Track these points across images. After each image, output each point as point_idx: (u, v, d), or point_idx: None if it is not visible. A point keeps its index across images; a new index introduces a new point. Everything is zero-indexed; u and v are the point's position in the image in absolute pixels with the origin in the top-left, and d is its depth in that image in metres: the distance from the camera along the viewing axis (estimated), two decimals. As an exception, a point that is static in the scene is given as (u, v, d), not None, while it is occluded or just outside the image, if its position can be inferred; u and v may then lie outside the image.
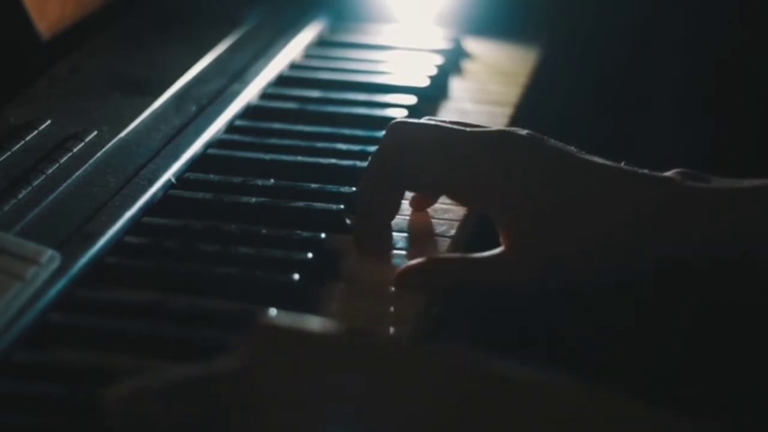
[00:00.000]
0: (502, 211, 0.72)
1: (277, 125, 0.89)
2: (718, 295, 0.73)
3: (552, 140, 0.73)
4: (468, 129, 0.74)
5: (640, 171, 0.71)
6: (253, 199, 0.78)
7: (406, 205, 0.79)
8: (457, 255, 0.74)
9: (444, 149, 0.73)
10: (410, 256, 0.74)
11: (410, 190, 0.77)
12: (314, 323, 0.52)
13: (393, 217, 0.76)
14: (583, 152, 0.73)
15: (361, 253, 0.74)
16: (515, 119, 0.96)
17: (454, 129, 0.74)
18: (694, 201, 0.69)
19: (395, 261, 0.74)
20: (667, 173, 0.71)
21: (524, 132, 0.73)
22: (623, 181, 0.70)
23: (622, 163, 0.72)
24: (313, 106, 0.93)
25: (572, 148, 0.73)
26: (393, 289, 0.71)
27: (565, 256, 0.70)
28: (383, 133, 0.76)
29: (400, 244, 0.76)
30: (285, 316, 0.53)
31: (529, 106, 1.00)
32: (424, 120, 0.78)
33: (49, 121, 0.82)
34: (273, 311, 0.59)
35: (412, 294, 0.71)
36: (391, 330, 0.67)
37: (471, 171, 0.72)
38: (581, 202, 0.70)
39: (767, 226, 0.69)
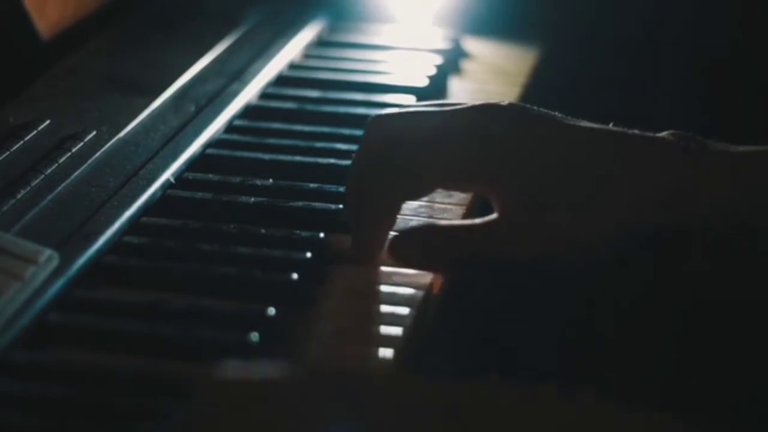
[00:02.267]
0: (494, 188, 0.70)
1: (276, 125, 0.89)
2: (713, 276, 0.73)
3: (535, 108, 0.71)
4: (449, 108, 0.72)
5: (631, 132, 0.70)
6: (252, 199, 0.78)
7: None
8: (451, 224, 0.73)
9: (434, 138, 0.71)
10: None
11: (406, 194, 0.74)
12: (264, 373, 0.51)
13: (392, 227, 0.73)
14: (569, 117, 0.71)
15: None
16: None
17: (436, 113, 0.72)
18: (696, 166, 0.68)
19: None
20: (661, 134, 0.70)
21: (506, 103, 0.72)
22: (616, 145, 0.69)
23: (610, 125, 0.71)
24: (312, 106, 0.93)
25: (557, 114, 0.72)
26: (386, 288, 0.71)
27: (559, 224, 0.69)
28: (363, 132, 0.73)
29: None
30: (234, 369, 0.52)
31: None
32: (400, 110, 0.74)
33: (48, 121, 0.82)
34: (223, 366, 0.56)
35: (406, 267, 0.71)
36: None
37: (460, 151, 0.71)
38: (571, 168, 0.69)
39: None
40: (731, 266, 0.73)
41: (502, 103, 0.72)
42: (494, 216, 0.71)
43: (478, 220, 0.71)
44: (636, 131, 0.70)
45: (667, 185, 0.69)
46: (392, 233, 0.73)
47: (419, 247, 0.72)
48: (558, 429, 0.48)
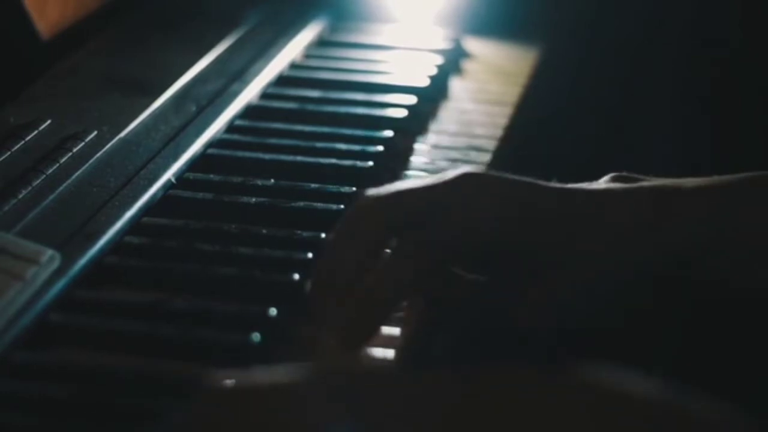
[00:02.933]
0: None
1: (277, 125, 0.89)
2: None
3: (489, 175, 0.66)
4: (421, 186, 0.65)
5: (582, 186, 0.67)
6: (253, 199, 0.78)
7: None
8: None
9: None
10: None
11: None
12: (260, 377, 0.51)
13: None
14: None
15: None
16: (515, 119, 0.97)
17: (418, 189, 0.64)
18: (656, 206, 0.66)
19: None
20: (601, 180, 0.68)
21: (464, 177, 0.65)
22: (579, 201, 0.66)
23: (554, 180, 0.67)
24: (313, 106, 0.93)
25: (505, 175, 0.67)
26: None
27: (560, 287, 0.65)
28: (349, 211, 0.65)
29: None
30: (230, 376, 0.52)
31: (529, 106, 1.00)
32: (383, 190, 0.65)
33: (49, 121, 0.82)
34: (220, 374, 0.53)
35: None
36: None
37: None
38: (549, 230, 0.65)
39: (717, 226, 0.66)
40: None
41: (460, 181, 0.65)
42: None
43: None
44: (582, 185, 0.67)
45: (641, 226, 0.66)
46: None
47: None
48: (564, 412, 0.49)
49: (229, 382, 0.50)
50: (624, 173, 0.69)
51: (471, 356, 0.70)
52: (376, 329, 0.63)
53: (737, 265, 0.67)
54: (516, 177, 0.66)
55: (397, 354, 0.65)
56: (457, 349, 0.69)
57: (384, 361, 0.64)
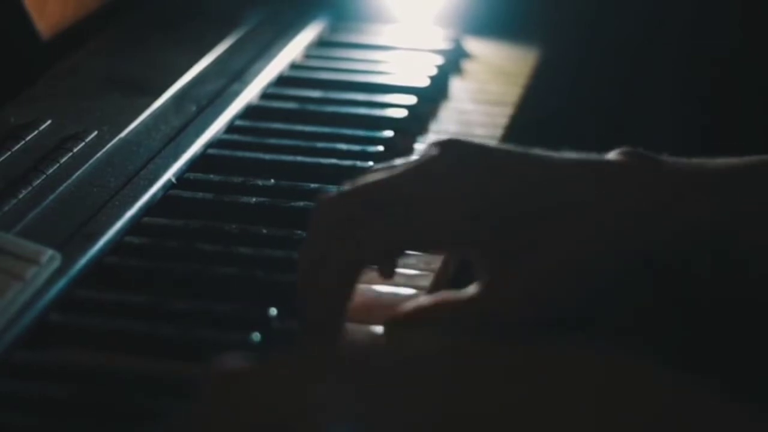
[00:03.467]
0: (473, 247, 0.65)
1: (277, 125, 0.89)
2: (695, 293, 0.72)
3: (474, 144, 0.66)
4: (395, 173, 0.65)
5: (586, 156, 0.66)
6: (254, 199, 0.78)
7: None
8: (449, 300, 0.66)
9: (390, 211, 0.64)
10: None
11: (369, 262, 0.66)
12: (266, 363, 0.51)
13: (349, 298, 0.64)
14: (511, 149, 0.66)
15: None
16: (515, 119, 0.97)
17: (386, 180, 0.65)
18: (661, 184, 0.65)
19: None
20: (611, 153, 0.66)
21: (446, 150, 0.65)
22: (587, 172, 0.65)
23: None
24: (313, 106, 0.93)
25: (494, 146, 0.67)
26: (387, 289, 0.71)
27: (544, 273, 0.64)
28: (312, 215, 0.65)
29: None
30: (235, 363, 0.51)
31: (529, 106, 1.00)
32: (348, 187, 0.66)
33: (49, 121, 0.82)
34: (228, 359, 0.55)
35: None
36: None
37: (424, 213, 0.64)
38: (545, 200, 0.64)
39: (750, 208, 0.65)
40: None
41: (442, 153, 0.65)
42: (482, 283, 0.65)
43: (470, 293, 0.65)
44: (589, 155, 0.66)
45: (641, 205, 0.65)
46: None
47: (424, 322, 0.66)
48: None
49: (229, 372, 0.50)
50: (639, 149, 0.66)
51: None
52: (333, 321, 0.63)
53: (756, 249, 0.65)
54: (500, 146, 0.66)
55: None
56: None
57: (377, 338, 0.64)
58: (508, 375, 0.48)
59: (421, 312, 0.66)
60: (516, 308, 0.64)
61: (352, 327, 0.65)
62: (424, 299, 0.67)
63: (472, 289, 0.65)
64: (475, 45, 1.08)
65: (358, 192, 0.64)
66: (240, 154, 0.85)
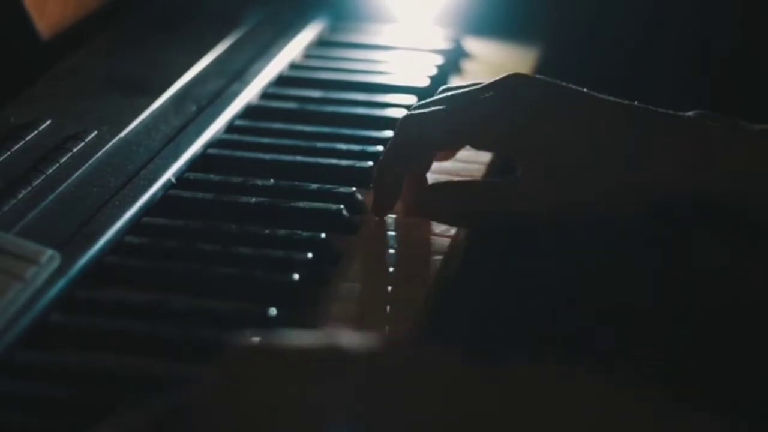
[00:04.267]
0: (520, 154, 0.75)
1: (277, 125, 0.89)
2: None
3: (561, 83, 0.76)
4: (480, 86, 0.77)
5: (654, 109, 0.75)
6: (253, 199, 0.77)
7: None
8: (477, 180, 0.79)
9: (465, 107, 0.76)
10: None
11: (436, 147, 0.79)
12: (288, 338, 0.51)
13: (416, 183, 0.78)
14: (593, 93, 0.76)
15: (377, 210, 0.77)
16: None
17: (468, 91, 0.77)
18: (717, 143, 0.72)
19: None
20: (688, 113, 0.74)
21: (534, 76, 0.77)
22: (638, 117, 0.75)
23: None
24: (313, 106, 0.93)
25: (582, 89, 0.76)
26: (388, 288, 0.71)
27: (576, 171, 0.73)
28: (397, 128, 0.77)
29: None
30: (256, 337, 0.51)
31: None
32: (430, 104, 0.78)
33: (49, 121, 0.82)
34: (243, 337, 0.56)
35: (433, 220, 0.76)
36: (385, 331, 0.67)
37: (489, 120, 0.75)
38: (592, 134, 0.74)
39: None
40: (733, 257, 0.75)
41: (530, 78, 0.77)
42: (517, 176, 0.75)
43: (502, 180, 0.76)
44: (660, 110, 0.75)
45: (684, 157, 0.73)
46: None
47: (448, 200, 0.76)
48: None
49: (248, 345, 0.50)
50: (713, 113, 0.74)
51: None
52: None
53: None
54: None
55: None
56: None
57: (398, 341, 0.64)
58: (507, 395, 0.48)
59: (447, 187, 0.77)
60: (534, 196, 0.74)
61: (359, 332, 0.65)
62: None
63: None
64: (475, 45, 1.08)
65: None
66: (240, 154, 0.84)
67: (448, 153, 0.83)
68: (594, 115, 0.75)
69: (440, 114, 0.76)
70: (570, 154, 0.74)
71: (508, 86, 0.75)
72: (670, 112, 0.75)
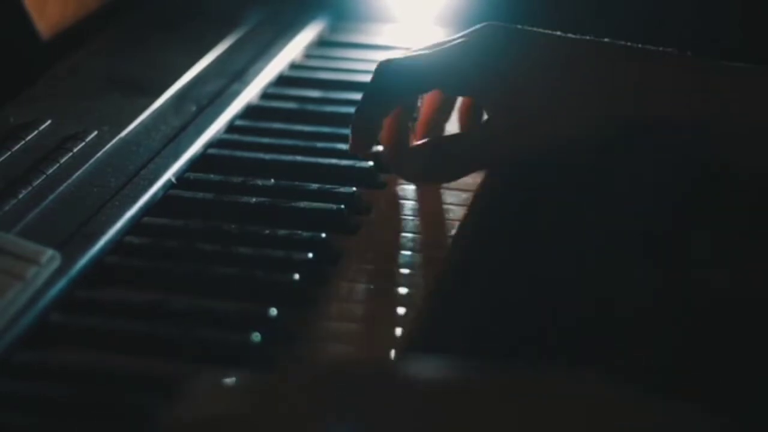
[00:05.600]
0: (487, 94, 0.77)
1: (277, 125, 0.89)
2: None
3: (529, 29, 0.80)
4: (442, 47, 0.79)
5: (625, 43, 0.77)
6: (254, 199, 0.78)
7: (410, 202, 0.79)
8: (449, 135, 0.82)
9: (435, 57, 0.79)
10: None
11: (410, 91, 0.82)
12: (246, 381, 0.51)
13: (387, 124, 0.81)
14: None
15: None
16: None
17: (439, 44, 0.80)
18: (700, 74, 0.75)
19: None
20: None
21: (500, 25, 0.80)
22: (599, 51, 0.77)
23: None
24: (313, 106, 0.93)
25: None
26: (388, 288, 0.71)
27: (538, 112, 0.75)
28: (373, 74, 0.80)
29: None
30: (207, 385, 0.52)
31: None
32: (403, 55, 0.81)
33: (49, 121, 0.82)
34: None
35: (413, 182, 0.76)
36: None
37: (456, 66, 0.78)
38: (554, 73, 0.76)
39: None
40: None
41: (502, 25, 0.80)
42: (486, 120, 0.78)
43: (472, 129, 0.80)
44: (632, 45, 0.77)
45: (676, 88, 0.75)
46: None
47: (426, 160, 0.79)
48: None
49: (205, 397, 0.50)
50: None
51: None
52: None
53: (737, 142, 0.74)
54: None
55: (396, 355, 0.65)
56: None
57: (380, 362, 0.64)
58: (502, 404, 0.48)
59: (412, 153, 0.79)
60: (505, 136, 0.76)
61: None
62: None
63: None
64: (475, 45, 1.08)
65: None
66: (240, 154, 0.85)
67: (443, 110, 0.85)
68: (557, 53, 0.77)
69: (410, 59, 0.79)
70: (533, 94, 0.76)
71: (477, 32, 0.79)
72: (640, 46, 0.77)
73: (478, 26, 0.79)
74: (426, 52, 0.79)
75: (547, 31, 0.79)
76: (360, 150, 0.81)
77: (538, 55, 0.77)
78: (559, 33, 0.78)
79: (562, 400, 0.49)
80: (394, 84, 0.79)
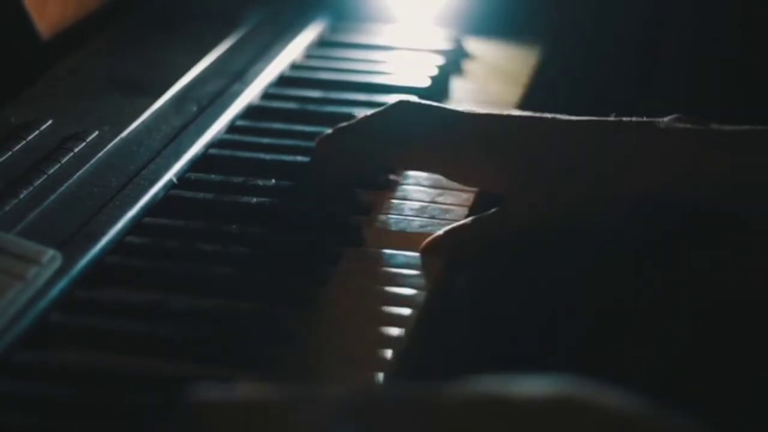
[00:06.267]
0: (502, 177, 0.76)
1: (278, 125, 0.89)
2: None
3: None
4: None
5: (628, 119, 0.75)
6: (254, 200, 0.78)
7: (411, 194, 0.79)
8: (467, 222, 0.77)
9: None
10: None
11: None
12: (250, 393, 0.51)
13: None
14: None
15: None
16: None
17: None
18: (698, 145, 0.73)
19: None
20: (666, 119, 0.75)
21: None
22: (615, 131, 0.75)
23: (612, 115, 0.76)
24: (313, 106, 0.93)
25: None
26: (388, 289, 0.71)
27: (559, 195, 0.74)
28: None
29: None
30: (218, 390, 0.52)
31: (530, 106, 1.00)
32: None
33: (49, 121, 0.82)
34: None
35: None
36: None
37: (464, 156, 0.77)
38: (574, 153, 0.74)
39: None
40: (729, 257, 0.76)
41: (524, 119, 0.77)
42: (503, 205, 0.76)
43: (490, 213, 0.76)
44: (635, 119, 0.76)
45: (668, 163, 0.73)
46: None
47: (448, 248, 0.75)
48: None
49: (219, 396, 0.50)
50: (689, 116, 0.75)
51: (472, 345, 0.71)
52: None
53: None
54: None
55: (396, 355, 0.65)
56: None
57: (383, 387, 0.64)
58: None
59: (434, 244, 0.75)
60: (523, 220, 0.75)
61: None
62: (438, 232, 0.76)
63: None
64: (475, 45, 1.08)
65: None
66: (241, 154, 0.85)
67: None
68: (563, 136, 0.75)
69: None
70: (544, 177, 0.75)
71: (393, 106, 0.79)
72: (644, 119, 0.75)
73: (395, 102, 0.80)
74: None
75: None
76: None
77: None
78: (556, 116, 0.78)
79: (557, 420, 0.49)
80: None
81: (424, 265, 0.74)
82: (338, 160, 0.80)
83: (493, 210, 0.76)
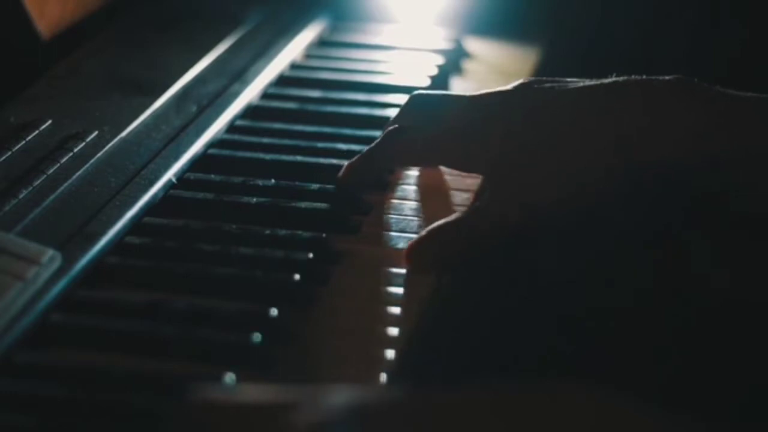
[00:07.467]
0: (484, 163, 0.76)
1: (277, 125, 0.89)
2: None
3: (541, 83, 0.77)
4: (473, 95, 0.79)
5: (644, 78, 0.75)
6: (254, 199, 0.78)
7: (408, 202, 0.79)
8: (451, 220, 0.75)
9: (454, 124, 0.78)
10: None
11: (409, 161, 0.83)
12: (251, 395, 0.51)
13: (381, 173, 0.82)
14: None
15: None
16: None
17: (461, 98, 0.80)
18: (714, 107, 0.73)
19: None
20: (668, 77, 0.74)
21: (522, 85, 0.78)
22: (636, 90, 0.74)
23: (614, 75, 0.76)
24: (313, 106, 0.93)
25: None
26: (388, 289, 0.71)
27: (541, 180, 0.73)
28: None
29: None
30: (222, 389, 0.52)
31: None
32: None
33: (49, 121, 0.82)
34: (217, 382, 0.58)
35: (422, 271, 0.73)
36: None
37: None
38: (556, 132, 0.74)
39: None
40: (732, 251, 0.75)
41: (518, 89, 0.77)
42: (485, 196, 0.75)
43: (473, 207, 0.75)
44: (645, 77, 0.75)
45: (686, 124, 0.72)
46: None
47: (434, 248, 0.74)
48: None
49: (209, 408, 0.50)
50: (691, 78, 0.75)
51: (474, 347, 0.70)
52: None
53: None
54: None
55: (396, 355, 0.65)
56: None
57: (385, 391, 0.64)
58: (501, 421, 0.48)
59: (418, 246, 0.73)
60: (507, 213, 0.73)
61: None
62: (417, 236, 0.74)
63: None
64: (475, 45, 1.08)
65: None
66: (240, 154, 0.85)
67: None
68: (557, 107, 0.75)
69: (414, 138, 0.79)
70: (531, 153, 0.74)
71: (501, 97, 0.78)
72: (644, 77, 0.75)
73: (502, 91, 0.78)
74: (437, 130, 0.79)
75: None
76: (350, 184, 0.80)
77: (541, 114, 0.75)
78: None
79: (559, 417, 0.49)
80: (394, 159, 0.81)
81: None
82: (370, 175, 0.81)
83: (473, 204, 0.76)
